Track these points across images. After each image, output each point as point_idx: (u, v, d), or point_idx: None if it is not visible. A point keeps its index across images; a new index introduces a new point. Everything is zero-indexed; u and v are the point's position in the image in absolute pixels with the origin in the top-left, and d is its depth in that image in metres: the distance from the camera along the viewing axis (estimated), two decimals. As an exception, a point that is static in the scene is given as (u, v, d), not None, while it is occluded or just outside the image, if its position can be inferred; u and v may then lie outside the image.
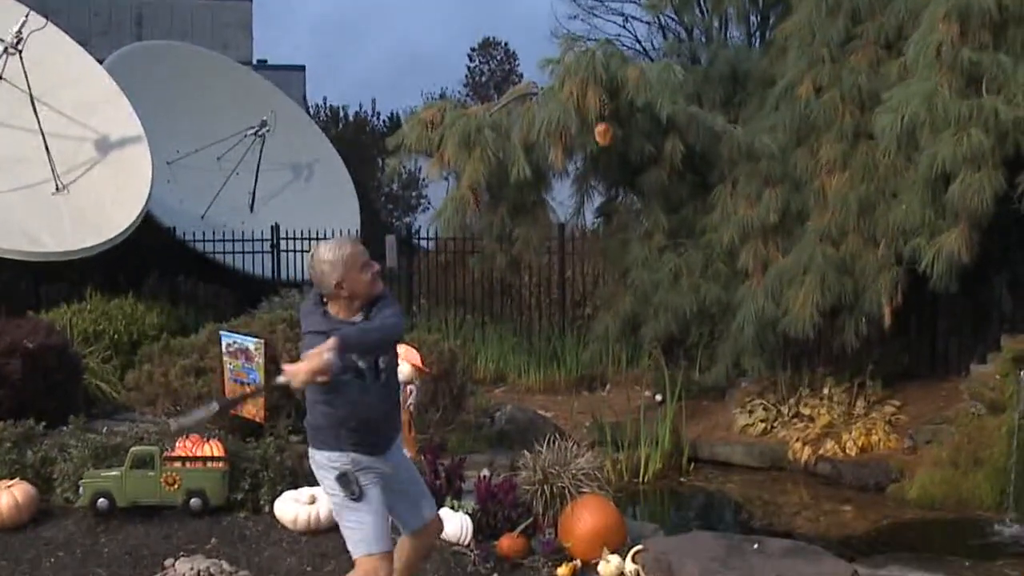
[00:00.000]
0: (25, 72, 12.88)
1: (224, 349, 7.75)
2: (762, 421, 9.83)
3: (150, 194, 13.80)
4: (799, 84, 10.09)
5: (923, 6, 9.02)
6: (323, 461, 4.66)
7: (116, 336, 11.71)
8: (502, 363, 13.29)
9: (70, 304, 12.25)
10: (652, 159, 10.64)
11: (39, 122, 13.04)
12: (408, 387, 6.31)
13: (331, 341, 4.25)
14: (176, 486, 6.72)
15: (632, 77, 10.18)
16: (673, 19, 21.13)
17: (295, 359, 7.89)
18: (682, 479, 9.26)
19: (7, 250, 11.83)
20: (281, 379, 4.37)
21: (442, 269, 16.19)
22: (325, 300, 4.64)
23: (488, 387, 12.08)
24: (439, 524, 5.22)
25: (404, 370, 6.31)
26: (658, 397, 10.59)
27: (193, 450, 6.87)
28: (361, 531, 4.64)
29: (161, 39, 20.27)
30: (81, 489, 6.75)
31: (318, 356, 4.23)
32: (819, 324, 9.09)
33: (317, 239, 16.27)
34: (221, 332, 7.98)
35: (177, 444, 6.99)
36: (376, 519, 4.66)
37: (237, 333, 7.89)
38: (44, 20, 13.57)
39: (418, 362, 6.40)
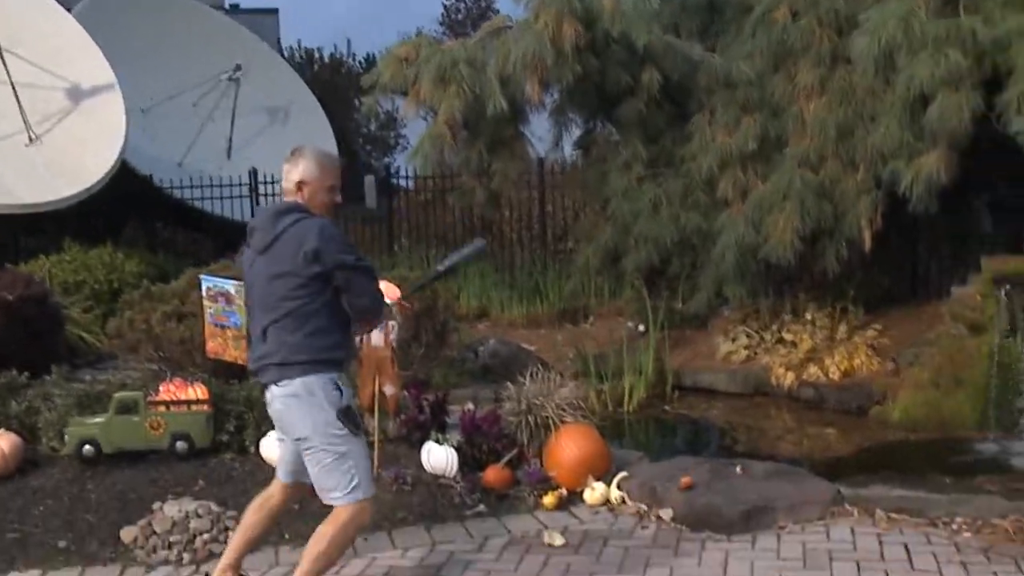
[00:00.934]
0: (-8, 22, 12.76)
1: (204, 293, 7.71)
2: (745, 348, 9.85)
3: (125, 142, 13.71)
4: (776, 9, 9.99)
5: (898, -74, 8.94)
6: (317, 390, 4.41)
7: (96, 286, 11.67)
8: (484, 299, 13.30)
9: (49, 255, 12.19)
10: (629, 90, 10.57)
11: (8, 73, 12.90)
12: (389, 323, 6.29)
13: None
14: (161, 430, 6.73)
15: (607, 7, 10.10)
16: (648, -51, 20.95)
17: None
18: (666, 407, 9.29)
19: (-18, 203, 11.78)
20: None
21: (422, 208, 16.15)
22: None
23: (471, 323, 12.08)
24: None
25: (384, 306, 6.28)
26: (640, 327, 10.61)
27: (177, 394, 6.87)
28: (359, 472, 4.46)
29: (131, -16, 20.04)
30: (66, 437, 6.75)
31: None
32: (800, 250, 9.08)
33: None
34: (201, 276, 7.93)
35: (160, 388, 6.99)
36: (366, 461, 4.53)
37: (217, 277, 7.85)
38: (10, -31, 13.42)
39: (398, 298, 6.37)
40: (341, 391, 4.45)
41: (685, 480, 5.96)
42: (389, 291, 6.35)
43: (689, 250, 10.59)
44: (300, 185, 4.49)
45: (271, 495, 4.90)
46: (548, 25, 9.89)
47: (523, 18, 10.57)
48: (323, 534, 4.50)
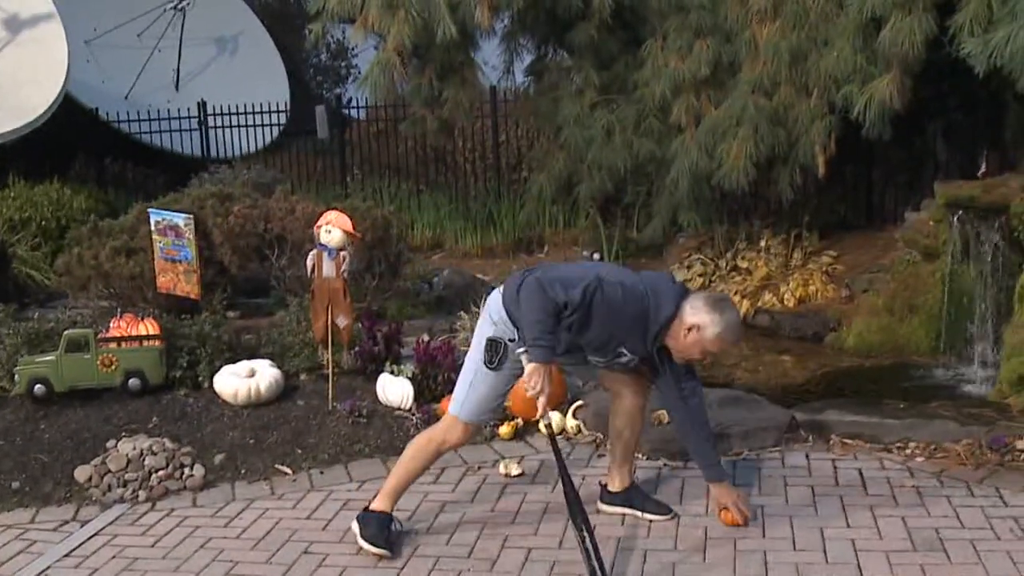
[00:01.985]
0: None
1: (153, 227, 7.62)
2: (700, 275, 9.87)
3: (67, 74, 13.38)
4: (728, -69, 9.87)
5: None
6: (494, 314, 4.60)
7: (43, 223, 11.43)
8: (439, 229, 13.25)
9: (-8, 192, 11.93)
10: (580, 14, 10.45)
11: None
12: (341, 253, 6.24)
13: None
14: (113, 367, 6.64)
15: (559, -71, 9.96)
16: None
17: (226, 234, 7.81)
18: (622, 337, 9.28)
19: (-79, 137, 11.49)
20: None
21: (375, 138, 15.98)
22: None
23: (425, 254, 12.02)
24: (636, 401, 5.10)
25: (336, 236, 6.22)
26: (595, 256, 10.61)
27: (128, 330, 6.78)
28: (469, 394, 4.65)
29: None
30: (16, 376, 6.65)
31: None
32: (754, 176, 9.06)
33: (246, 114, 15.97)
34: (150, 210, 7.83)
35: (111, 325, 6.90)
36: (487, 396, 4.66)
37: (166, 210, 7.75)
38: None
39: (349, 227, 6.30)
40: (504, 329, 4.55)
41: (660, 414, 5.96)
42: (340, 220, 6.31)
43: (643, 177, 10.56)
44: (692, 327, 4.45)
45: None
46: (497, -54, 9.74)
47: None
48: (411, 443, 4.89)
